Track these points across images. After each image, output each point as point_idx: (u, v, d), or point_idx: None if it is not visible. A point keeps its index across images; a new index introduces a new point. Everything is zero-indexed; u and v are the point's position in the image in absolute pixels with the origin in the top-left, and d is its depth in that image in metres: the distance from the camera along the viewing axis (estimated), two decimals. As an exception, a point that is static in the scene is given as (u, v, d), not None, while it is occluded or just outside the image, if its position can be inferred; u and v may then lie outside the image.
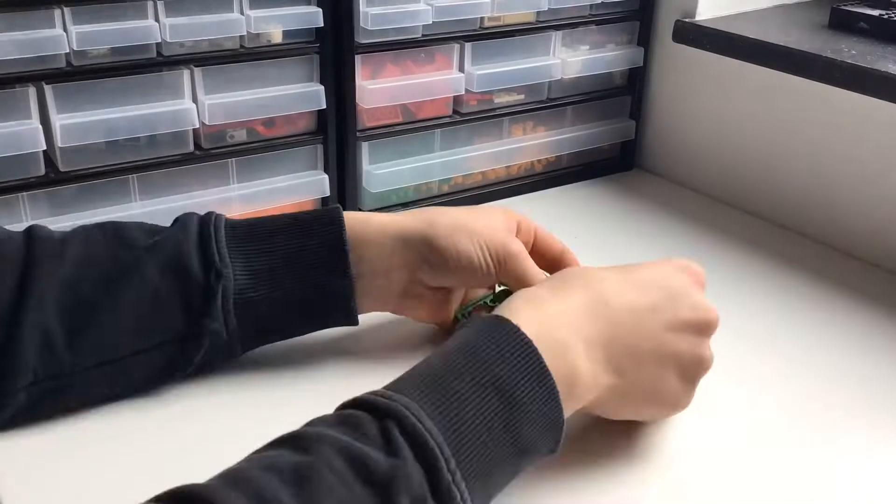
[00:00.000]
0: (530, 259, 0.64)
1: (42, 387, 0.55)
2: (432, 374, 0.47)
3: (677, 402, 0.56)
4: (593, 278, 0.55)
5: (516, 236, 0.66)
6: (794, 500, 0.56)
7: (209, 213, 0.62)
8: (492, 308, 0.60)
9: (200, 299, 0.58)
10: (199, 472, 0.41)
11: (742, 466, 0.58)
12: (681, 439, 0.60)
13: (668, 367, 0.54)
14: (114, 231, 0.60)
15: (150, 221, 0.77)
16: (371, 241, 0.62)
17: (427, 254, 0.62)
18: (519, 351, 0.48)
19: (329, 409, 0.47)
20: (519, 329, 0.49)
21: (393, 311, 0.66)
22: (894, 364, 0.70)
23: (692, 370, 0.55)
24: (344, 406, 0.46)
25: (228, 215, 0.63)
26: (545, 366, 0.48)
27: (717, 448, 0.60)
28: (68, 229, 0.61)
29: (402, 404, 0.44)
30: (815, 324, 0.75)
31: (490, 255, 0.62)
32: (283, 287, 0.60)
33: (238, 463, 0.42)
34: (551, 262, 0.68)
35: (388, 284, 0.63)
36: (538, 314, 0.51)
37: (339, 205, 0.64)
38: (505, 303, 0.53)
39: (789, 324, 0.75)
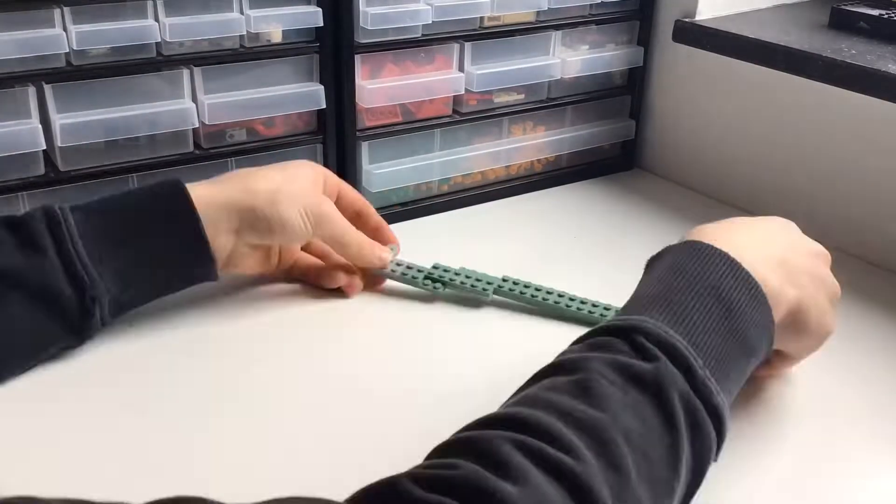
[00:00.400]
0: (343, 218, 0.72)
1: None
2: (654, 295, 0.53)
3: (830, 325, 0.59)
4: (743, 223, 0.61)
5: (324, 190, 0.73)
6: (795, 499, 0.56)
7: (54, 215, 0.62)
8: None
9: (78, 317, 0.63)
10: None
11: (743, 466, 0.58)
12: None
13: (821, 288, 0.58)
14: None
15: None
16: (202, 213, 0.66)
17: (252, 221, 0.67)
18: (723, 263, 0.53)
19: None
20: (715, 246, 0.54)
21: (222, 269, 0.70)
22: (894, 363, 0.70)
23: (832, 293, 0.59)
24: (588, 335, 0.52)
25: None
26: (749, 273, 0.53)
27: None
28: None
29: (642, 321, 0.50)
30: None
31: (308, 217, 0.69)
32: (151, 279, 0.66)
33: (523, 391, 0.48)
34: (355, 214, 0.77)
35: (217, 248, 0.68)
36: (721, 239, 0.56)
37: (177, 178, 0.67)
38: (687, 233, 0.59)
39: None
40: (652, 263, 0.58)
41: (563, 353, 0.51)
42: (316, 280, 0.76)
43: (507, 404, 0.48)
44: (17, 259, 0.60)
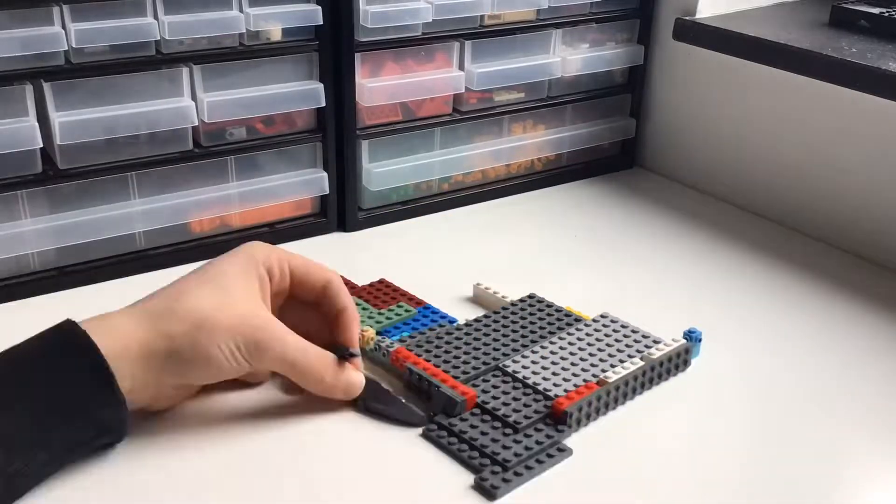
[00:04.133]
0: (286, 337, 0.58)
1: None
2: None
3: None
4: None
5: (273, 278, 0.61)
6: (796, 499, 0.56)
7: None
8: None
9: None
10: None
11: (744, 465, 0.58)
12: (682, 438, 0.60)
13: None
14: None
15: (150, 219, 0.77)
16: (115, 367, 0.53)
17: (173, 367, 0.56)
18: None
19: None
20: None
21: (149, 408, 0.59)
22: (894, 362, 0.70)
23: None
24: None
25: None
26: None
27: (719, 445, 0.60)
28: None
29: None
30: (816, 322, 0.75)
31: (240, 350, 0.57)
32: (44, 437, 0.52)
33: None
34: (318, 295, 0.63)
35: (137, 396, 0.56)
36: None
37: (72, 320, 0.55)
38: None
39: (789, 321, 0.75)
40: None
41: None
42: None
43: None
44: None
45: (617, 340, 0.68)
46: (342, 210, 0.88)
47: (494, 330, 0.69)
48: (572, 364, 0.65)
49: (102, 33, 0.71)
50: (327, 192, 0.86)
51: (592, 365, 0.65)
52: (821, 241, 0.89)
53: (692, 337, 0.67)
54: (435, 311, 0.73)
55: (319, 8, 0.80)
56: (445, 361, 0.65)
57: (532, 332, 0.69)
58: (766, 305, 0.77)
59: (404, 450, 0.58)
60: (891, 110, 0.81)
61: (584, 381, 0.63)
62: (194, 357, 0.56)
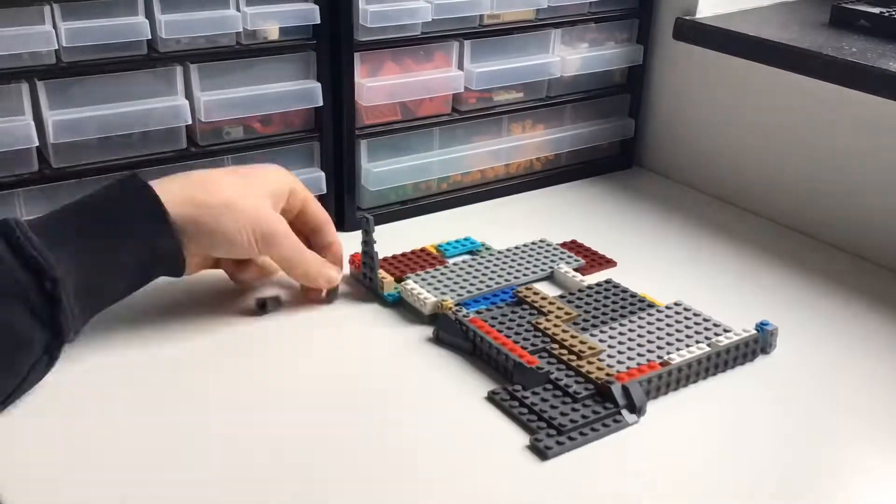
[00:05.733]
0: (291, 237, 0.70)
1: None
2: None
3: None
4: None
5: (287, 202, 0.72)
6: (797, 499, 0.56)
7: (5, 222, 0.60)
8: None
9: (48, 312, 0.58)
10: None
11: (743, 466, 0.58)
12: (683, 437, 0.60)
13: None
14: None
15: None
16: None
17: (194, 234, 0.65)
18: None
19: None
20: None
21: None
22: (894, 361, 0.70)
23: None
24: None
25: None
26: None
27: (719, 446, 0.60)
28: None
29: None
30: (816, 321, 0.75)
31: (255, 236, 0.67)
32: (117, 270, 0.63)
33: None
34: (313, 229, 0.75)
35: None
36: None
37: (135, 173, 0.66)
38: None
39: (789, 321, 0.74)
40: None
41: None
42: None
43: None
44: None
45: (687, 327, 0.70)
46: (341, 209, 0.88)
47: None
48: (639, 345, 0.68)
49: (93, 32, 0.71)
50: (324, 191, 0.86)
51: (659, 347, 0.67)
52: (820, 241, 0.89)
53: (763, 329, 0.69)
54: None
55: (317, 7, 0.79)
56: (517, 333, 0.69)
57: (604, 313, 0.72)
58: (764, 303, 0.77)
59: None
60: (891, 110, 0.81)
61: (648, 360, 0.65)
62: (215, 230, 0.66)
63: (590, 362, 0.65)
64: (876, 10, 0.91)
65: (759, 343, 0.69)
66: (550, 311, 0.72)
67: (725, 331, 0.69)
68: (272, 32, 0.79)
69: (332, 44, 0.82)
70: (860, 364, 0.69)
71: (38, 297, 0.58)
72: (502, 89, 0.93)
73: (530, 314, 0.72)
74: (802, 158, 0.90)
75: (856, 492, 0.57)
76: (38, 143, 0.71)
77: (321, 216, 0.75)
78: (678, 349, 0.66)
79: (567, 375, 0.64)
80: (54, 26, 0.70)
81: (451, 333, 0.69)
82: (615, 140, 1.05)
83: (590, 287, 0.76)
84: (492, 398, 0.63)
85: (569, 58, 0.95)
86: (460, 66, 0.90)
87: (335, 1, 0.80)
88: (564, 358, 0.65)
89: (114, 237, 0.62)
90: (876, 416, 0.63)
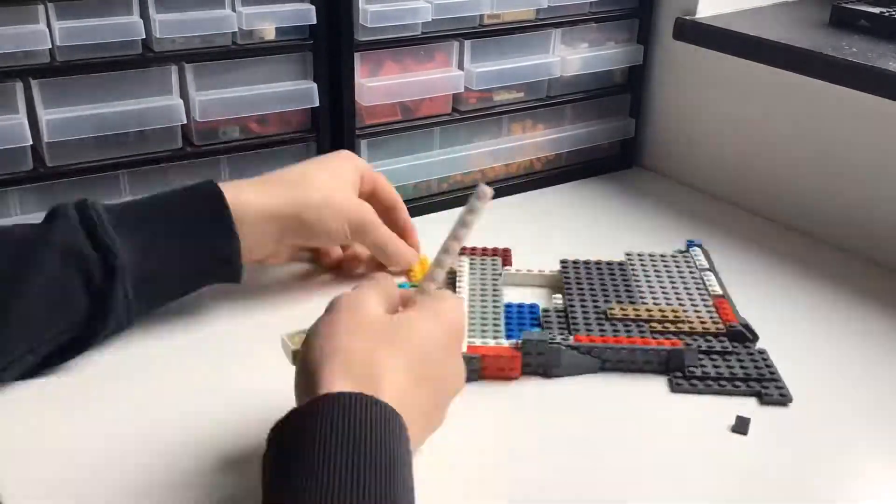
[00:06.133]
0: (379, 224, 0.75)
1: None
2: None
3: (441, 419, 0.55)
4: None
5: (361, 187, 0.76)
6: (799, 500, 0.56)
7: (84, 200, 0.65)
8: None
9: (101, 281, 0.62)
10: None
11: (745, 464, 0.58)
12: (683, 437, 0.60)
13: (449, 390, 0.55)
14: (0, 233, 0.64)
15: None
16: (246, 222, 0.68)
17: (297, 229, 0.71)
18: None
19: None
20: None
21: (256, 264, 0.73)
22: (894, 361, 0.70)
23: (458, 387, 0.56)
24: None
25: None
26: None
27: (720, 444, 0.60)
28: None
29: None
30: (816, 321, 0.75)
31: (349, 227, 0.72)
32: (175, 258, 0.66)
33: None
34: (387, 208, 0.78)
35: (258, 250, 0.70)
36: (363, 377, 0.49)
37: (212, 179, 0.69)
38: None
39: (789, 321, 0.74)
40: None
41: None
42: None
43: None
44: (44, 227, 0.63)
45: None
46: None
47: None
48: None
49: (88, 32, 0.71)
50: (324, 191, 0.86)
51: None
52: (821, 240, 0.89)
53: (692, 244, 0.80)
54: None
55: (313, 7, 0.79)
56: (616, 331, 0.71)
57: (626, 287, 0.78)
58: (764, 303, 0.77)
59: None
60: (891, 110, 0.81)
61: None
62: (316, 225, 0.71)
63: (689, 321, 0.70)
64: (876, 10, 0.90)
65: None
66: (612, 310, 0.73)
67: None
68: (269, 33, 0.80)
69: (332, 44, 0.82)
70: (860, 364, 0.69)
71: (98, 271, 0.62)
72: (502, 89, 0.93)
73: (596, 315, 0.72)
74: (803, 158, 0.90)
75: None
76: (32, 142, 0.71)
77: (393, 196, 0.79)
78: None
79: (693, 340, 0.68)
80: (48, 25, 0.70)
81: (570, 363, 0.67)
82: (615, 140, 1.05)
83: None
84: (678, 387, 0.65)
85: (569, 58, 0.95)
86: (460, 66, 0.90)
87: (334, 1, 0.80)
88: (672, 329, 0.70)
89: (175, 237, 0.66)
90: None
